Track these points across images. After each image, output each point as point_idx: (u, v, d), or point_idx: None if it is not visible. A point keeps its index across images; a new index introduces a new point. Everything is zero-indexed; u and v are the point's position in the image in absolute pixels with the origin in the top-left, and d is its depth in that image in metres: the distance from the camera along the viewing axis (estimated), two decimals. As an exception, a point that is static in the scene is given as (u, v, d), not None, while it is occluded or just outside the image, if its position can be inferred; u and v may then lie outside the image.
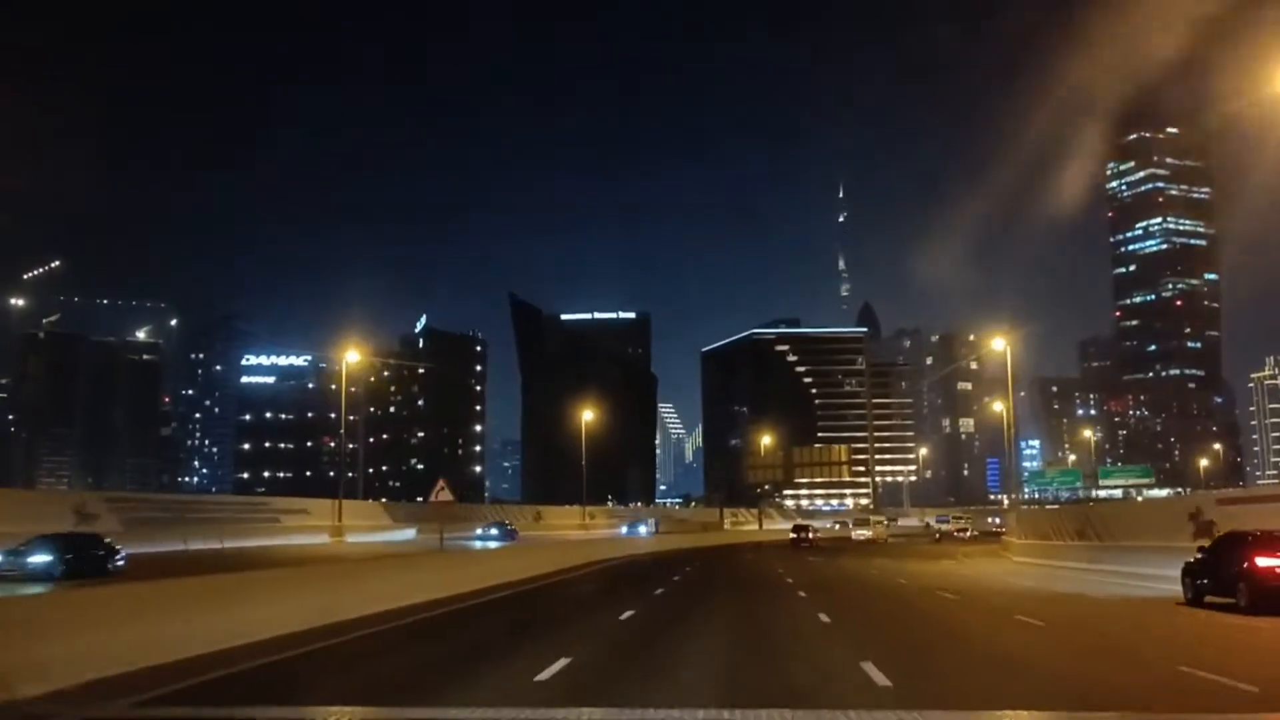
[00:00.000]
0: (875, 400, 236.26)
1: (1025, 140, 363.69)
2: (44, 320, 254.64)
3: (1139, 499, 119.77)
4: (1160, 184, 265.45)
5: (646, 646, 14.14)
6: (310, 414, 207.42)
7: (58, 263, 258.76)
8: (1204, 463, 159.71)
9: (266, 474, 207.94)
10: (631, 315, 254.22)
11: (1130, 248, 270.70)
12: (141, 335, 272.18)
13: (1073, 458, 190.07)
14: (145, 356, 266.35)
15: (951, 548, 62.67)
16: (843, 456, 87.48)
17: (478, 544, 49.94)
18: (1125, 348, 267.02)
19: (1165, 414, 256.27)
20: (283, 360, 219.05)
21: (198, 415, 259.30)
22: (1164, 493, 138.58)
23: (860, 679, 10.54)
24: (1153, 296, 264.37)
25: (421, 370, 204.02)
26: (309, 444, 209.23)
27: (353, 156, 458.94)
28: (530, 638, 15.10)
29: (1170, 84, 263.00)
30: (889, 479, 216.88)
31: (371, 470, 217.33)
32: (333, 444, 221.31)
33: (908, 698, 9.57)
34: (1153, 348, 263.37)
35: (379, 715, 7.93)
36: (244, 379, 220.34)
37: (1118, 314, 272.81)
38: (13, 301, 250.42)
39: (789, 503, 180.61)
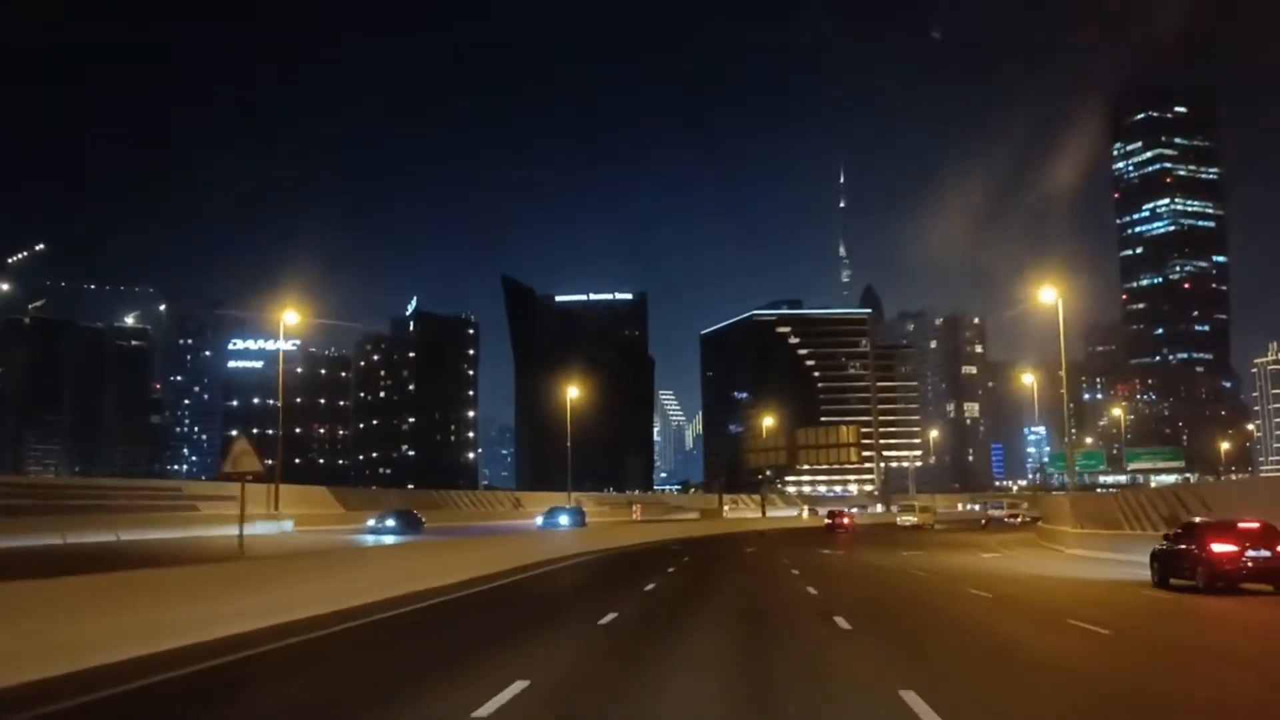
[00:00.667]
0: (879, 383, 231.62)
1: (1029, 122, 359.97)
2: (30, 306, 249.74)
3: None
4: (1168, 164, 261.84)
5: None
6: (299, 399, 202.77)
7: (42, 246, 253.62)
8: (1225, 446, 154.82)
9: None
10: (628, 296, 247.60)
11: (1137, 230, 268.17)
12: (130, 321, 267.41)
13: (1089, 440, 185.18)
14: (134, 343, 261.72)
15: (984, 537, 56.93)
16: (851, 437, 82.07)
17: (370, 539, 38.80)
18: (1132, 331, 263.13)
19: (1173, 398, 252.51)
20: (270, 345, 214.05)
21: (186, 402, 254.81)
22: (1192, 478, 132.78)
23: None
24: (1160, 279, 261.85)
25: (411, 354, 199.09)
26: (297, 430, 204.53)
27: (343, 137, 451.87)
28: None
29: (1178, 61, 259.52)
30: (893, 464, 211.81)
31: (361, 457, 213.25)
32: (322, 430, 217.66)
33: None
34: (1160, 331, 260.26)
35: None
36: (230, 364, 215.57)
37: (1124, 297, 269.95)
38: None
39: (790, 489, 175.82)
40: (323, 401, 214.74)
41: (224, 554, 23.28)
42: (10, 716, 7.68)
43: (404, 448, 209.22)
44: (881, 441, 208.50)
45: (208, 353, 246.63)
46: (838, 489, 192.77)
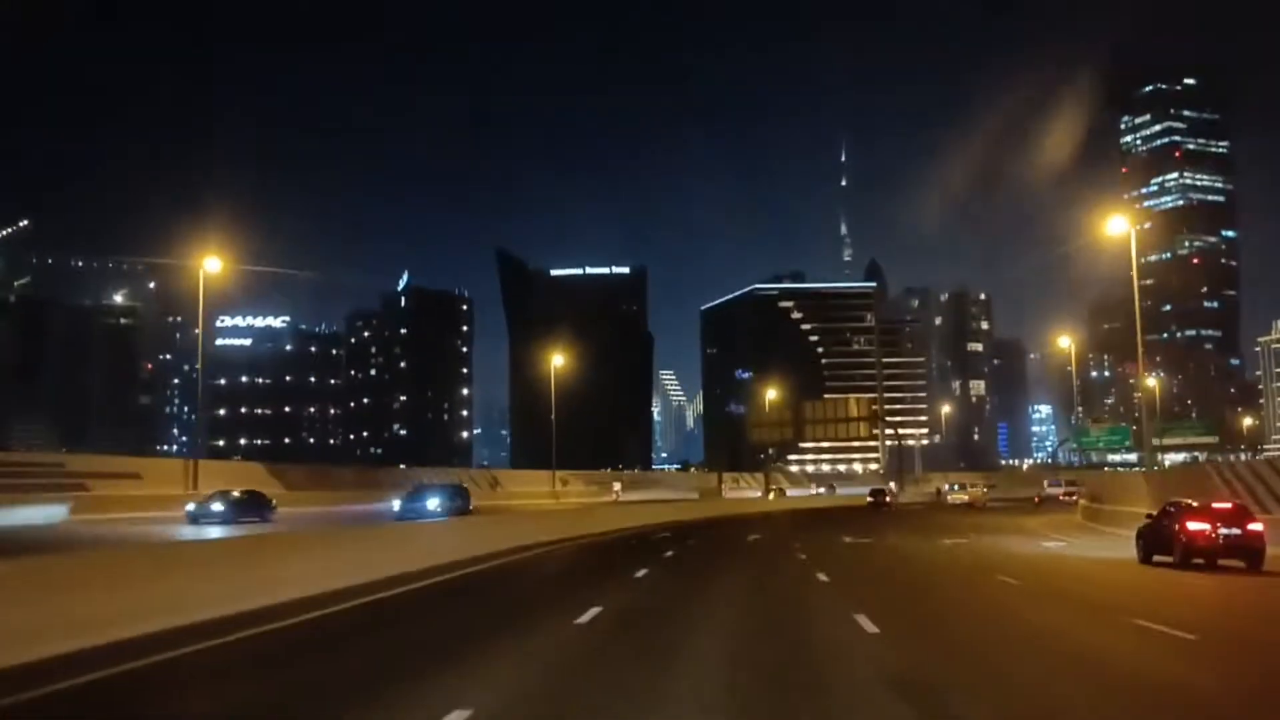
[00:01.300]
0: (885, 360, 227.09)
1: (1034, 96, 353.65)
2: (14, 283, 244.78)
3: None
4: (1177, 138, 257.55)
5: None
6: (288, 378, 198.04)
7: (26, 222, 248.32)
8: (1248, 422, 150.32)
9: (243, 441, 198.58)
10: (626, 270, 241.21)
11: (1145, 204, 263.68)
12: (119, 299, 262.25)
13: (1085, 424, 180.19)
14: (123, 321, 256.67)
15: (1030, 519, 50.70)
16: (863, 410, 76.66)
17: (187, 531, 31.25)
18: (1140, 307, 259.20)
19: (1181, 376, 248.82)
20: (259, 322, 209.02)
21: (176, 381, 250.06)
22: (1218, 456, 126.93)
23: None
24: (1168, 255, 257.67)
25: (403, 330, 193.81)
26: (287, 409, 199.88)
27: (331, 108, 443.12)
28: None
29: (1187, 32, 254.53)
30: (900, 442, 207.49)
31: (352, 436, 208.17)
32: (312, 410, 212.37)
33: None
34: (1168, 308, 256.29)
35: None
36: (218, 341, 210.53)
37: (1131, 273, 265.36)
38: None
39: (794, 468, 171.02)
40: (313, 380, 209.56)
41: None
42: None
43: (396, 427, 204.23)
44: (888, 419, 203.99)
45: (197, 330, 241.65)
46: (842, 468, 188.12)
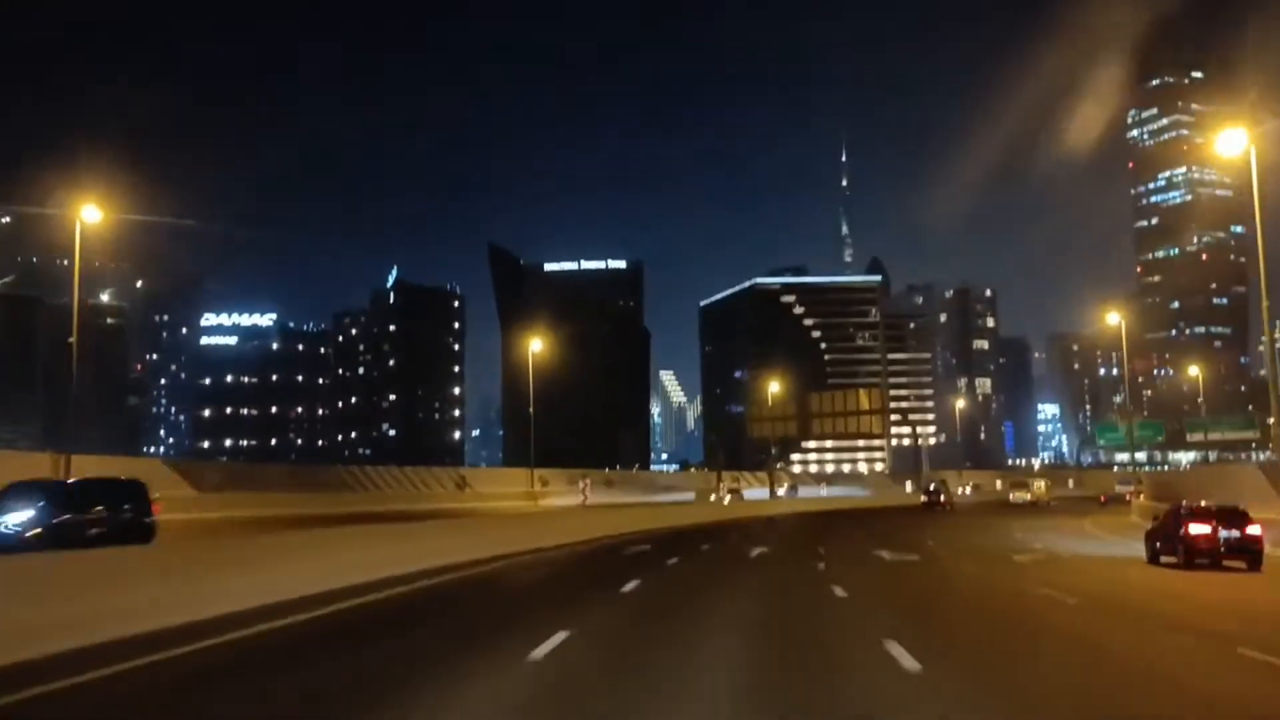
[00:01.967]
0: (890, 356, 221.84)
1: (1040, 90, 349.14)
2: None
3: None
4: (1185, 131, 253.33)
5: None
6: (275, 377, 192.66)
7: (8, 219, 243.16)
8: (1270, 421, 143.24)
9: (228, 442, 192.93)
10: (622, 265, 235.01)
11: (1153, 199, 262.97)
12: (105, 298, 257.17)
13: (1114, 418, 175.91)
14: (110, 320, 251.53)
15: (1089, 522, 46.05)
16: (874, 402, 71.12)
17: None
18: (1147, 305, 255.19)
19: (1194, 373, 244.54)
20: (245, 320, 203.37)
21: (163, 381, 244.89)
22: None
23: None
24: (1176, 251, 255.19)
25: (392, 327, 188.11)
26: (273, 410, 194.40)
27: (324, 101, 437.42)
28: None
29: (1196, 25, 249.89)
30: (905, 441, 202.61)
31: (340, 437, 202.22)
32: (300, 410, 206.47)
33: None
34: (1176, 305, 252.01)
35: None
36: (204, 340, 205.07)
37: (1139, 269, 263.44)
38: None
39: (796, 467, 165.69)
40: (300, 379, 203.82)
41: None
42: None
43: (385, 427, 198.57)
44: (892, 417, 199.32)
45: (184, 330, 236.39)
46: (846, 467, 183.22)
